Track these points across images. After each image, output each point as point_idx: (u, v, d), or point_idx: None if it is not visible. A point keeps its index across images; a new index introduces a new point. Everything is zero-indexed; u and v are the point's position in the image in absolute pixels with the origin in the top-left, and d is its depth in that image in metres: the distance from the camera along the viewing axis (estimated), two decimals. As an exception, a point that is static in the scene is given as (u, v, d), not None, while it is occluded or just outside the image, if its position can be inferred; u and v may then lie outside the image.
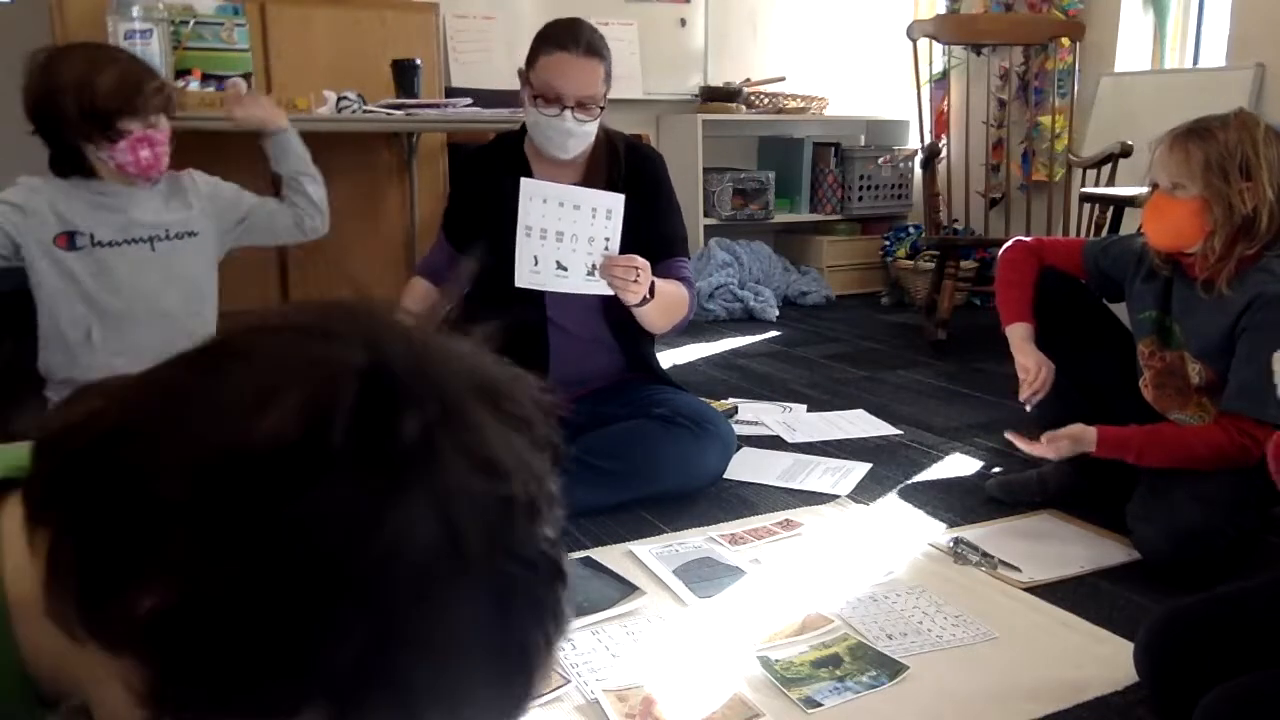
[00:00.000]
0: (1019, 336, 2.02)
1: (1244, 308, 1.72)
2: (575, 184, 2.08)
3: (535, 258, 1.97)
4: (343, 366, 0.51)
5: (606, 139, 2.16)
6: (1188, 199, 1.76)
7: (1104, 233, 3.21)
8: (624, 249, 2.01)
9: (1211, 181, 1.73)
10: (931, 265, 3.92)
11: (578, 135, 2.05)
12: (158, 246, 2.02)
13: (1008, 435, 1.92)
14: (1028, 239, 2.12)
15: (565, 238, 1.98)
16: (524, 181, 1.96)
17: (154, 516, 0.50)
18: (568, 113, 2.02)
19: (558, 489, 0.56)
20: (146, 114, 1.88)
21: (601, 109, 2.07)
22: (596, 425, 2.04)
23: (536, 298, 2.06)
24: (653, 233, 2.13)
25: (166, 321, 2.01)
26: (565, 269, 1.99)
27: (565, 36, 2.04)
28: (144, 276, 2.00)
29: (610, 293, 1.99)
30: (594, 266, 1.98)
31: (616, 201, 1.98)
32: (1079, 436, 1.81)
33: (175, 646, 0.50)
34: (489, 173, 2.18)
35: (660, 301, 2.04)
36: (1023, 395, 1.98)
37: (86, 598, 0.52)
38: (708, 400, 2.42)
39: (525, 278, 1.98)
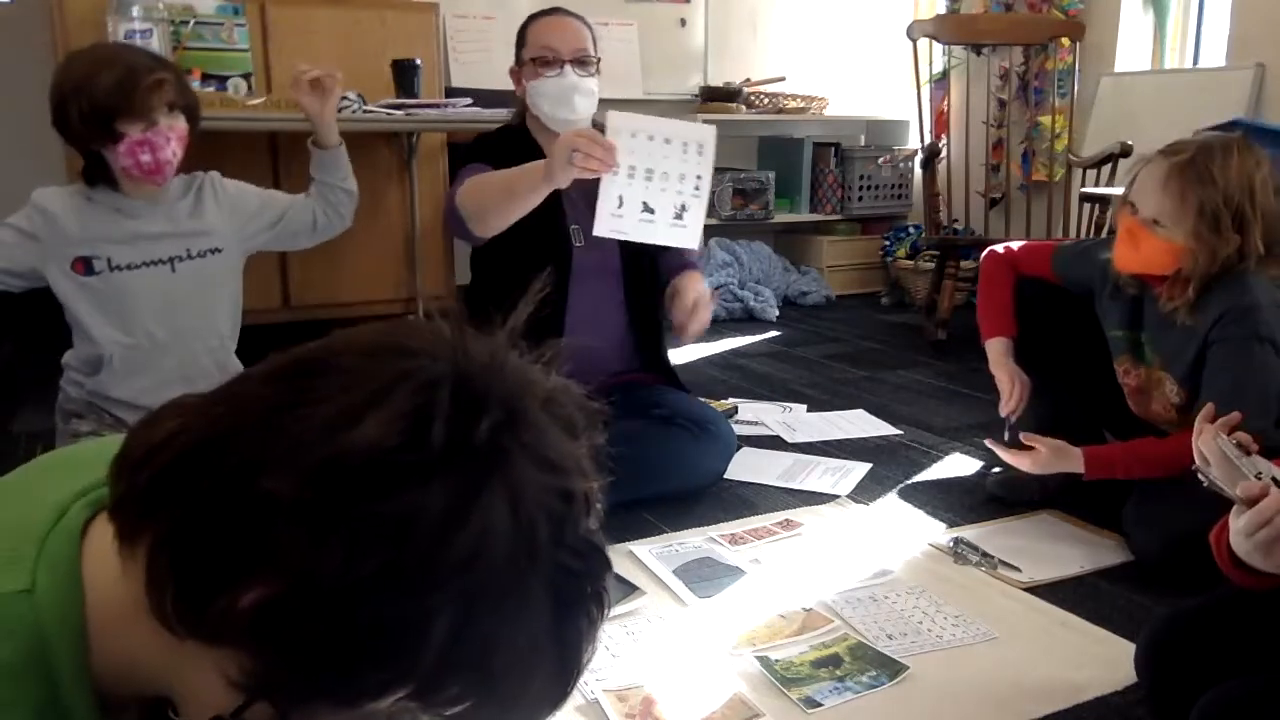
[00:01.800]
0: (996, 352, 2.04)
1: (1214, 321, 1.70)
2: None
3: (620, 198, 1.85)
4: (432, 378, 0.56)
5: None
6: (1168, 239, 1.69)
7: (1104, 233, 3.21)
8: (643, 247, 2.01)
9: (1201, 232, 1.65)
10: (931, 265, 3.92)
11: (582, 90, 2.06)
12: (178, 268, 1.96)
13: (988, 443, 1.93)
14: (1001, 249, 2.10)
15: (655, 175, 1.86)
16: (610, 115, 1.84)
17: (261, 514, 0.54)
18: (568, 68, 2.04)
19: (601, 486, 0.62)
20: (146, 113, 1.81)
21: (597, 71, 2.10)
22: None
23: (558, 294, 2.03)
24: None
25: (187, 341, 1.98)
26: (651, 212, 1.88)
27: (548, 9, 2.13)
28: (164, 299, 1.95)
29: (691, 245, 1.95)
30: (683, 208, 1.88)
31: (708, 135, 1.88)
32: (1063, 453, 1.80)
33: (278, 636, 0.54)
34: (501, 162, 2.06)
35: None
36: (1002, 411, 2.00)
37: (191, 595, 0.56)
38: (707, 401, 2.42)
39: (606, 223, 1.86)
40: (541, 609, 0.57)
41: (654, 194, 1.86)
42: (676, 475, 2.03)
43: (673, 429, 2.05)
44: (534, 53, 2.06)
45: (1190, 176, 1.65)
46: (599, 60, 2.13)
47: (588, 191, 1.92)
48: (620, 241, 2.00)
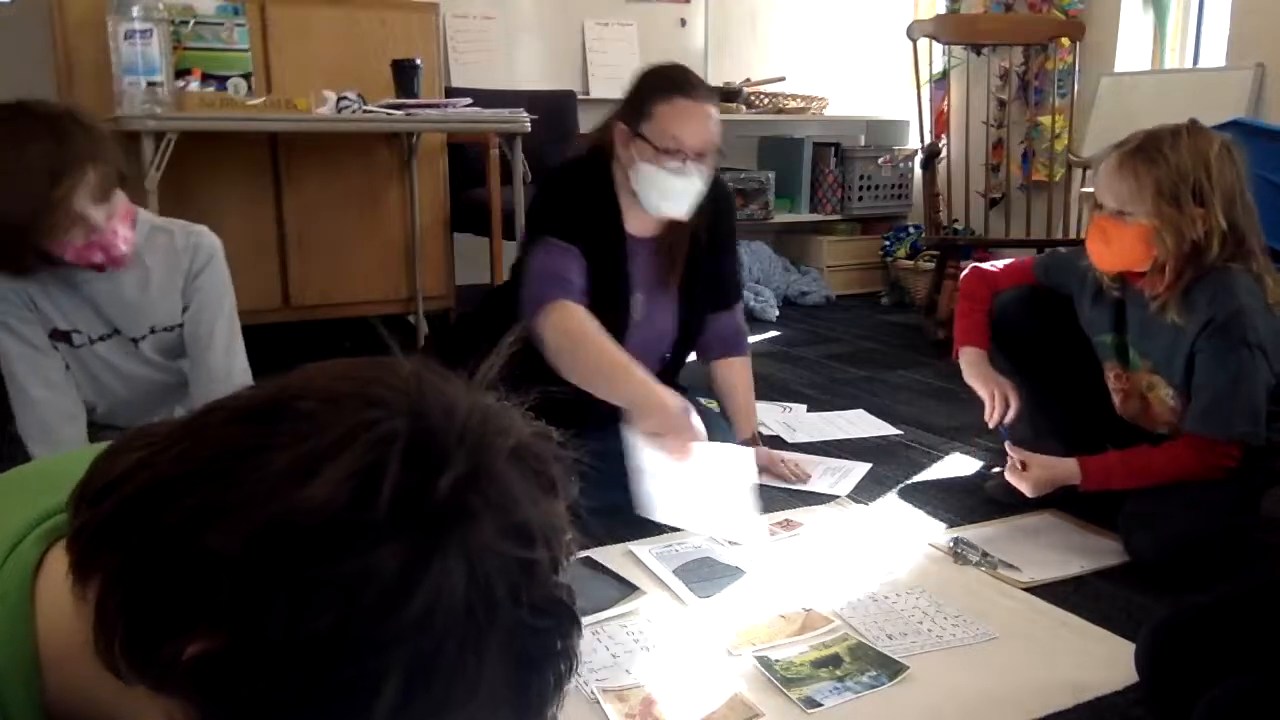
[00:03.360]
0: (967, 362, 2.03)
1: (1201, 327, 1.69)
2: (659, 233, 1.99)
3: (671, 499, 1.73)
4: (387, 435, 0.54)
5: None
6: (1135, 225, 1.70)
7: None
8: (691, 287, 2.07)
9: (1162, 209, 1.66)
10: (931, 265, 3.92)
11: (698, 191, 1.92)
12: (140, 345, 1.83)
13: (1007, 448, 1.89)
14: (983, 267, 2.10)
15: (701, 488, 1.74)
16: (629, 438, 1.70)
17: (205, 568, 0.53)
18: (690, 164, 1.88)
19: (574, 538, 0.60)
20: (73, 224, 1.54)
21: (714, 161, 1.95)
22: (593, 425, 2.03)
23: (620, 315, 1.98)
24: (719, 275, 2.17)
25: (156, 391, 1.90)
26: (702, 513, 1.78)
27: (683, 84, 1.90)
28: (134, 363, 1.84)
29: (746, 540, 1.81)
30: (730, 513, 1.75)
31: (748, 457, 1.77)
32: (1056, 469, 1.81)
33: (220, 689, 0.53)
34: (582, 216, 1.96)
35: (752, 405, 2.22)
36: (989, 421, 1.99)
37: (136, 641, 0.55)
38: (706, 401, 2.42)
39: (661, 512, 1.75)
40: (501, 669, 0.55)
41: (702, 501, 1.75)
42: None
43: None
44: (660, 140, 1.86)
45: (1141, 158, 1.68)
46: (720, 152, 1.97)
47: (654, 270, 2.02)
48: (677, 329, 2.08)
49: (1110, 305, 1.87)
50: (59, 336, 1.75)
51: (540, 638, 0.57)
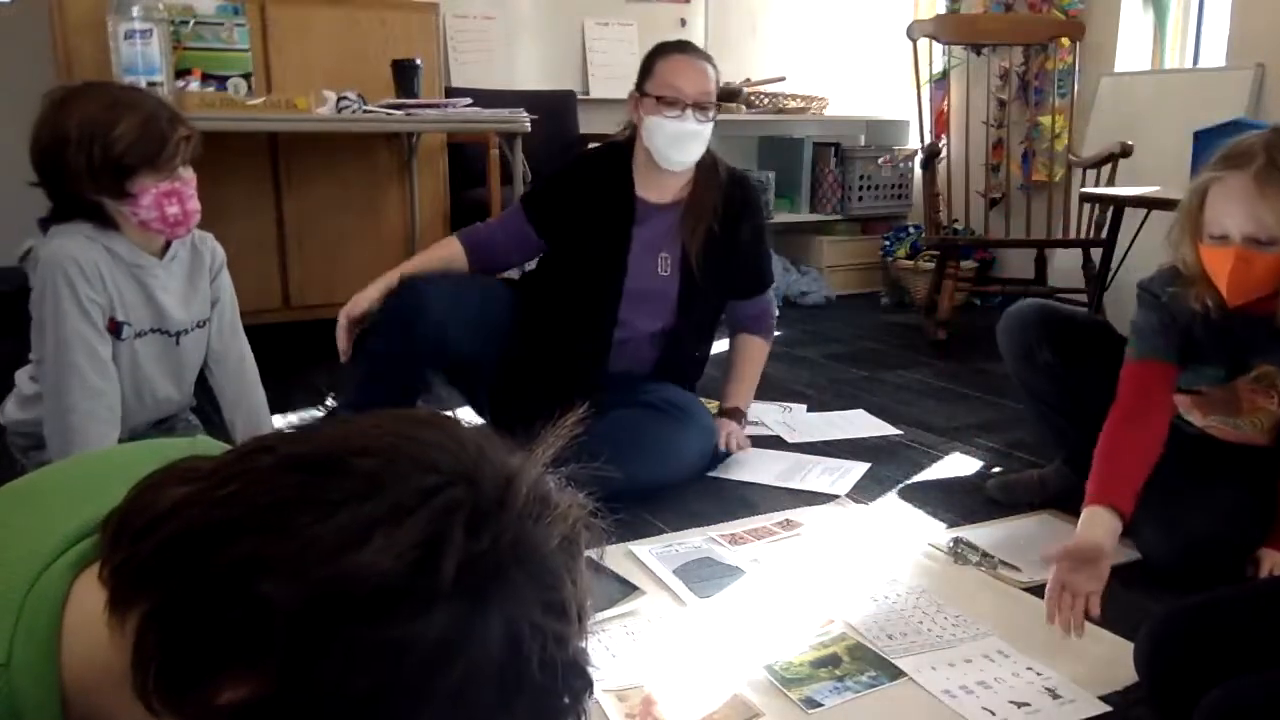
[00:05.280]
0: (1090, 526, 1.57)
1: None
2: (678, 200, 2.22)
3: None
4: (450, 505, 0.56)
5: (712, 163, 2.25)
6: (1278, 252, 1.53)
7: (1103, 233, 3.21)
8: (717, 279, 2.23)
9: None
10: (931, 265, 3.92)
11: (699, 137, 2.14)
12: (181, 341, 1.86)
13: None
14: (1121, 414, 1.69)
15: None
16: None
17: (257, 616, 0.53)
18: (689, 112, 2.11)
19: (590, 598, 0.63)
20: (171, 169, 1.69)
21: (713, 115, 2.17)
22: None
23: (609, 306, 2.17)
24: (748, 266, 2.31)
25: (159, 405, 1.90)
26: None
27: (679, 45, 2.21)
28: (158, 367, 1.86)
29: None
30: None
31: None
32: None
33: None
34: (588, 187, 2.23)
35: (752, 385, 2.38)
36: (1058, 624, 1.49)
37: (172, 680, 0.55)
38: (706, 401, 2.43)
39: None
40: None
41: None
42: (658, 462, 2.04)
43: (653, 413, 2.11)
44: (659, 90, 2.12)
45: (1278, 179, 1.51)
46: (718, 104, 2.22)
47: (668, 234, 2.20)
48: (681, 288, 2.21)
49: (1216, 336, 1.69)
50: (111, 328, 1.76)
51: (560, 700, 0.59)
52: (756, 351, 2.38)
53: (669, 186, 2.22)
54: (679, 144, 2.13)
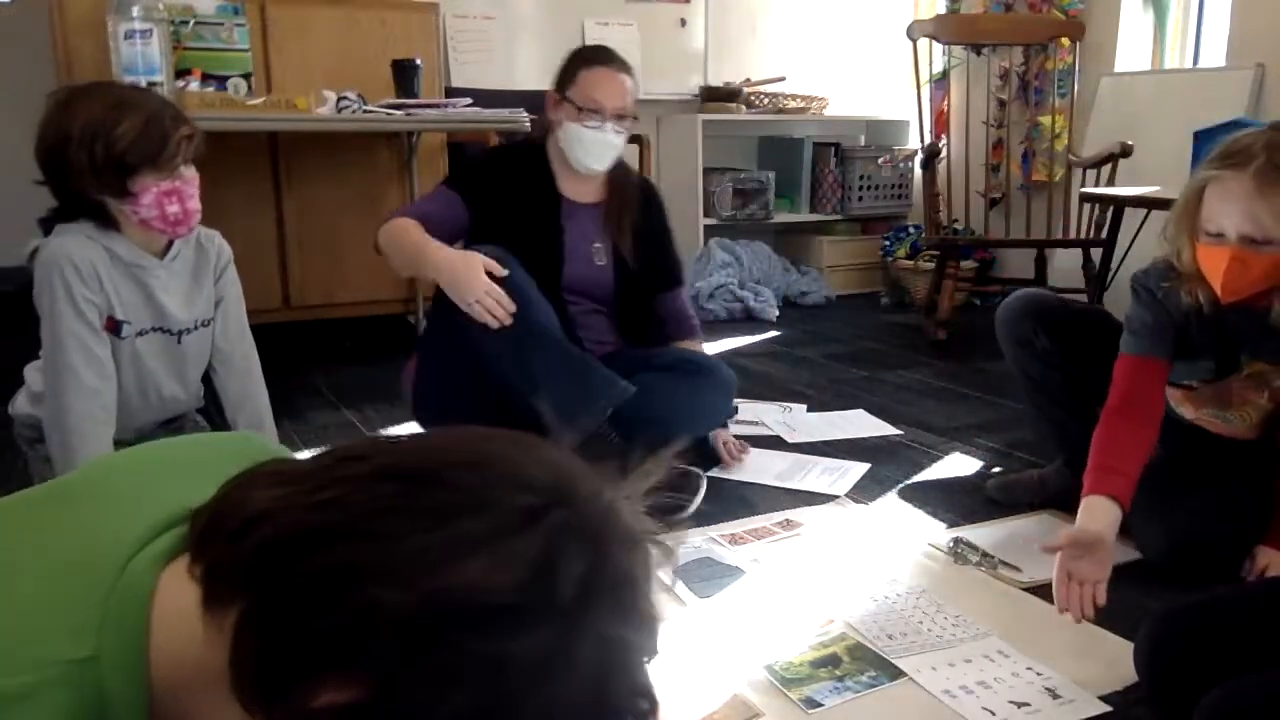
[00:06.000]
0: (1090, 514, 1.59)
1: None
2: (599, 201, 2.25)
3: None
4: (559, 525, 0.58)
5: (624, 165, 2.32)
6: (1274, 253, 1.52)
7: (1103, 233, 3.21)
8: (640, 278, 2.26)
9: None
10: (931, 265, 3.92)
11: (615, 146, 2.20)
12: (183, 340, 1.85)
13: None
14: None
15: None
16: None
17: (364, 620, 0.54)
18: (608, 124, 2.17)
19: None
20: (172, 168, 1.68)
21: (629, 125, 2.22)
22: None
23: (553, 296, 2.14)
24: (663, 263, 2.35)
25: (165, 404, 1.89)
26: None
27: (602, 55, 2.23)
28: (162, 365, 1.85)
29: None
30: None
31: None
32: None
33: None
34: (511, 178, 2.23)
35: None
36: (1069, 612, 1.51)
37: (272, 680, 0.56)
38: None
39: None
40: None
41: None
42: (692, 417, 2.13)
43: (674, 375, 2.15)
44: (580, 100, 2.16)
45: (1278, 177, 1.50)
46: (635, 116, 2.25)
47: (596, 230, 2.22)
48: (616, 278, 2.24)
49: (1209, 328, 1.69)
50: (110, 326, 1.75)
51: (632, 717, 0.61)
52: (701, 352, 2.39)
53: (588, 187, 2.27)
54: (596, 153, 2.18)
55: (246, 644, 0.57)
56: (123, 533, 0.65)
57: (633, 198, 2.30)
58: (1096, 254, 3.26)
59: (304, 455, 0.72)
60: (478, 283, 1.93)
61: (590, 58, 2.22)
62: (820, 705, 1.34)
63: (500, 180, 2.23)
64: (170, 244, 1.81)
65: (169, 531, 0.66)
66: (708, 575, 1.71)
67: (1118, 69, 3.89)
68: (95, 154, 1.62)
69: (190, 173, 1.73)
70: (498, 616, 0.55)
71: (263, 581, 0.57)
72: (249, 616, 0.57)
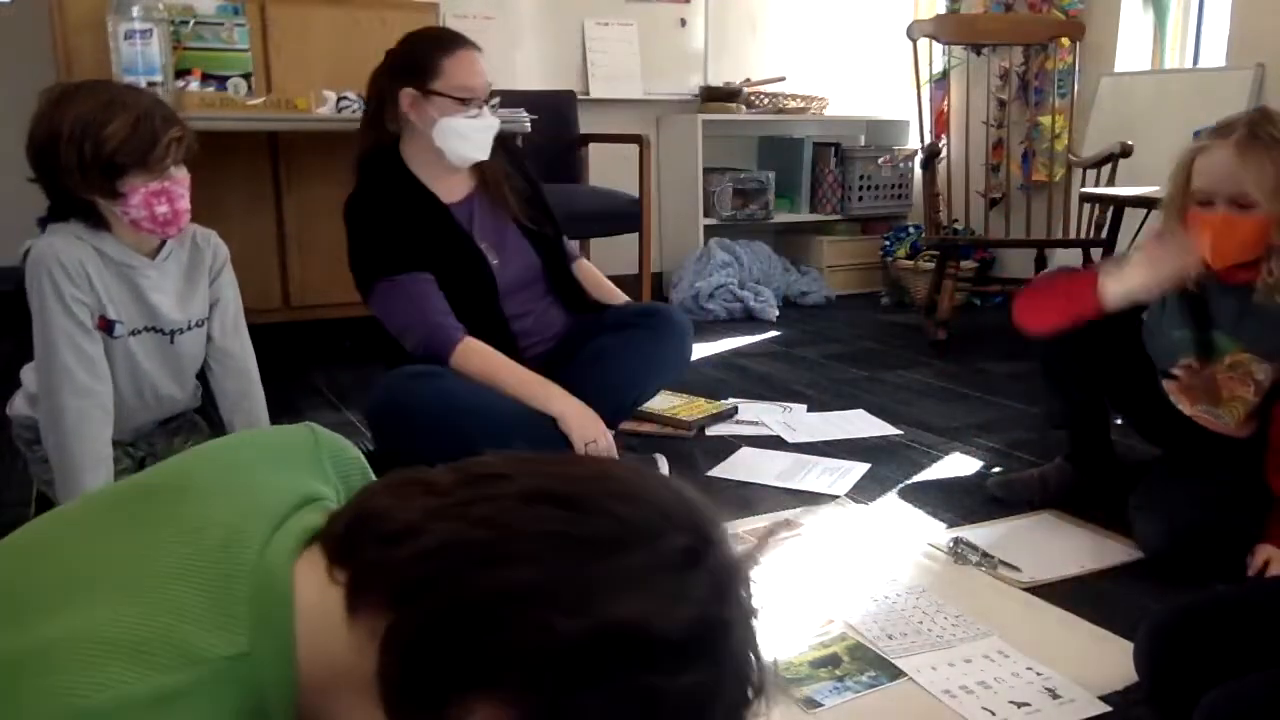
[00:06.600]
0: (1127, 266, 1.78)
1: None
2: (474, 189, 2.18)
3: None
4: (719, 570, 0.60)
5: None
6: (1257, 216, 1.61)
7: (1103, 233, 3.21)
8: (552, 235, 2.24)
9: None
10: (931, 265, 3.92)
11: (495, 127, 2.11)
12: (176, 340, 1.84)
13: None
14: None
15: None
16: None
17: (535, 642, 0.54)
18: (485, 108, 2.07)
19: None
20: (161, 169, 1.67)
21: (496, 101, 2.14)
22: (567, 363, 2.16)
23: (493, 315, 2.13)
24: (545, 204, 2.30)
25: (162, 404, 1.89)
26: None
27: (456, 38, 2.10)
28: (157, 365, 1.84)
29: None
30: None
31: None
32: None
33: None
34: (395, 210, 2.08)
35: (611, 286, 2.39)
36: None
37: (425, 694, 0.56)
38: (706, 401, 2.43)
39: None
40: None
41: None
42: (662, 366, 2.17)
43: (625, 332, 2.15)
44: (453, 90, 2.04)
45: (1259, 145, 1.61)
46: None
47: (491, 221, 2.17)
48: (534, 246, 2.20)
49: (1187, 301, 1.77)
50: (103, 325, 1.74)
51: None
52: (591, 270, 2.42)
53: (459, 178, 2.17)
54: (478, 141, 2.08)
55: (400, 654, 0.56)
56: (241, 527, 0.64)
57: (500, 164, 2.20)
58: (1097, 254, 3.26)
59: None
60: (599, 428, 2.00)
61: (447, 44, 2.08)
62: (820, 705, 1.34)
63: (400, 223, 2.07)
64: (163, 243, 1.81)
65: (284, 526, 0.65)
66: (708, 575, 1.71)
67: (1118, 69, 3.89)
68: (84, 153, 1.61)
69: (180, 173, 1.72)
70: (666, 653, 0.56)
71: (422, 593, 0.56)
72: (405, 627, 0.56)
